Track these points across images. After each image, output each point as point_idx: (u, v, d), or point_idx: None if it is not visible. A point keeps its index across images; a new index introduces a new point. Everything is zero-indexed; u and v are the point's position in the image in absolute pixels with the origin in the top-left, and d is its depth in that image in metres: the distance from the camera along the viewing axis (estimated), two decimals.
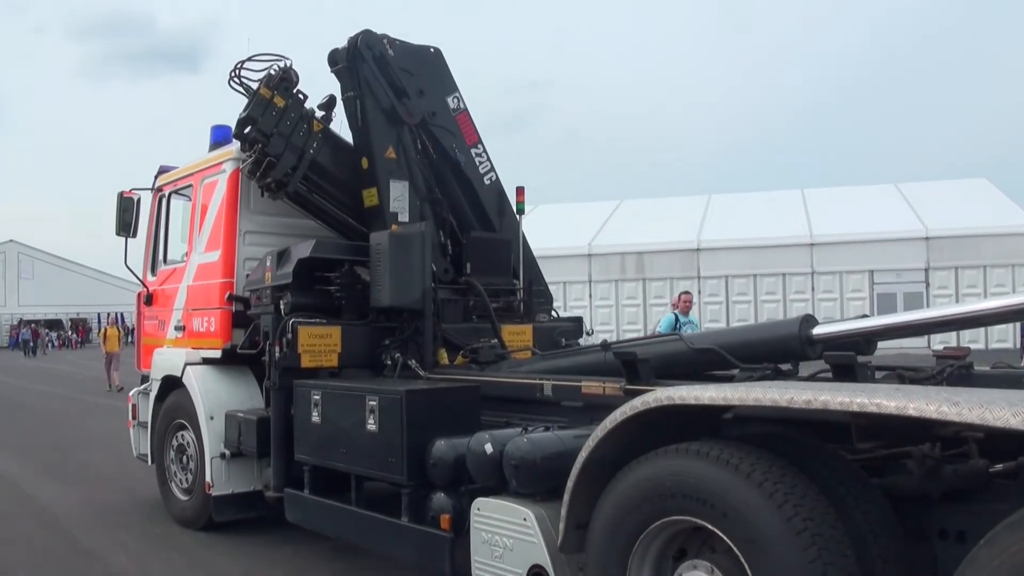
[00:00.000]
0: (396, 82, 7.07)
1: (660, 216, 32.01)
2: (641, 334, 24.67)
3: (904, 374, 4.11)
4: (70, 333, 67.85)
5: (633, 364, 4.49)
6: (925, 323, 4.61)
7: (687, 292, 13.16)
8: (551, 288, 8.19)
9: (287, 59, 6.98)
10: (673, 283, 29.14)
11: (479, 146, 7.59)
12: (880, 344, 4.79)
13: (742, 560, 3.09)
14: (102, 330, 25.28)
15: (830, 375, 4.03)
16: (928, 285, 27.68)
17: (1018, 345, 21.16)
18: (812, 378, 4.23)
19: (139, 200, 8.51)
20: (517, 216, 7.69)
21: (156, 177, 8.66)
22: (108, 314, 37.06)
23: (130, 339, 25.86)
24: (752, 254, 28.74)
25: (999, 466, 3.02)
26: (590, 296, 29.96)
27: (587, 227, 31.82)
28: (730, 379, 4.44)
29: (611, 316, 29.68)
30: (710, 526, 3.20)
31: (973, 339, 21.56)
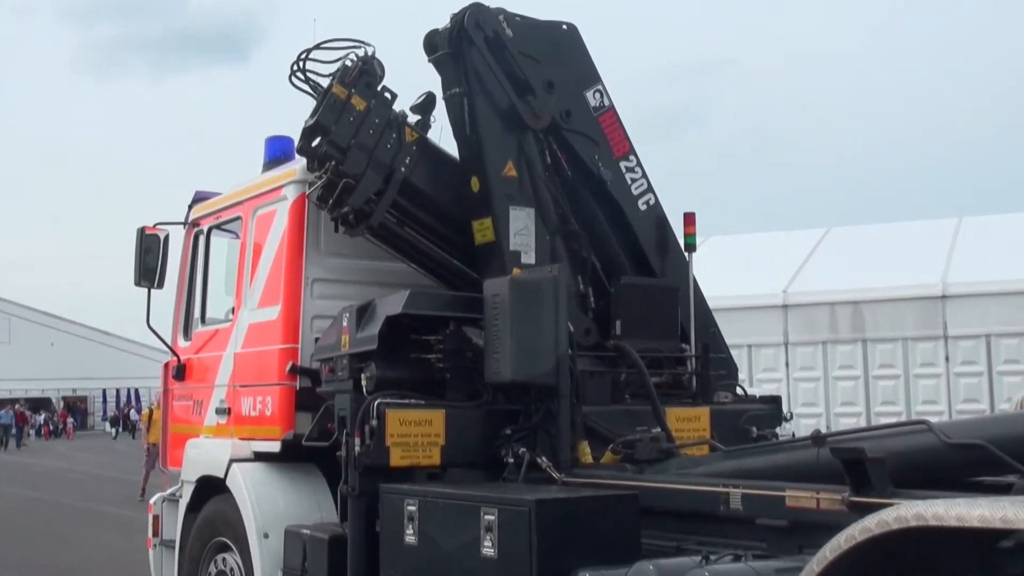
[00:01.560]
0: (517, 73, 7.22)
1: (886, 249, 31.27)
2: (862, 421, 24.05)
3: None
4: (58, 416, 69.35)
5: (861, 465, 4.43)
6: None
7: None
8: (733, 353, 8.13)
9: (369, 46, 7.17)
10: (908, 345, 28.34)
11: (631, 157, 7.67)
12: None
13: None
14: (146, 411, 26.13)
15: None
16: None
17: None
18: None
19: (167, 238, 8.76)
20: (686, 254, 7.70)
21: (191, 207, 8.97)
22: (149, 391, 38.27)
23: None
24: None
25: None
26: (787, 365, 29.38)
27: (781, 266, 31.36)
28: (1008, 489, 4.33)
29: (818, 394, 29.05)
30: None
31: None
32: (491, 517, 5.22)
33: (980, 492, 4.32)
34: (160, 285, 8.75)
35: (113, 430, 65.95)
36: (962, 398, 27.08)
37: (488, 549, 5.22)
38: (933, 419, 5.25)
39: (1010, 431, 4.81)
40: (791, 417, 20.32)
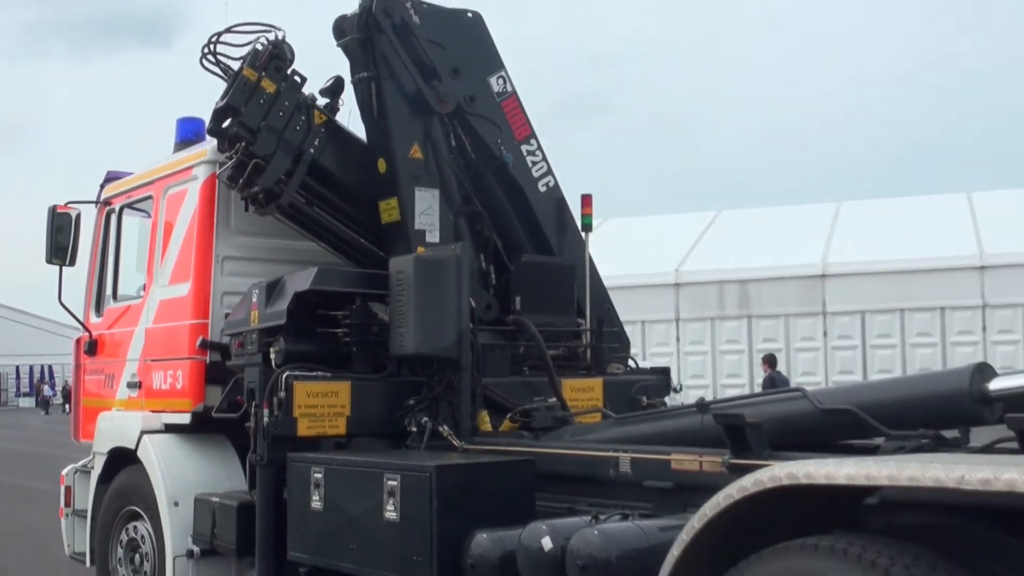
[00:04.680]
0: (423, 58, 7.19)
1: (771, 232, 31.77)
2: (746, 391, 24.44)
3: None
4: None
5: (740, 430, 4.51)
6: None
7: None
8: (627, 329, 8.21)
9: (279, 30, 7.11)
10: (789, 321, 28.87)
11: (532, 141, 7.68)
12: None
13: None
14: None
15: (1016, 444, 4.03)
16: None
17: None
18: (991, 449, 4.21)
19: (79, 216, 8.58)
20: (583, 234, 7.75)
21: (103, 186, 8.81)
22: (63, 367, 37.73)
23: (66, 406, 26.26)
24: (898, 281, 28.29)
25: None
26: (677, 339, 29.79)
27: (674, 247, 31.72)
28: (874, 450, 4.44)
29: (706, 366, 29.46)
30: None
31: None
32: (394, 483, 5.23)
33: (850, 454, 4.43)
34: (72, 263, 8.57)
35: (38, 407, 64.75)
36: (838, 369, 27.74)
37: (391, 513, 5.23)
38: (811, 389, 5.33)
39: (877, 398, 4.93)
40: (680, 388, 20.49)
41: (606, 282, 8.07)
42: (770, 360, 22.00)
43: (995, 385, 4.50)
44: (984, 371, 4.58)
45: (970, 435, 4.64)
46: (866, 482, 3.29)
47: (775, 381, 20.04)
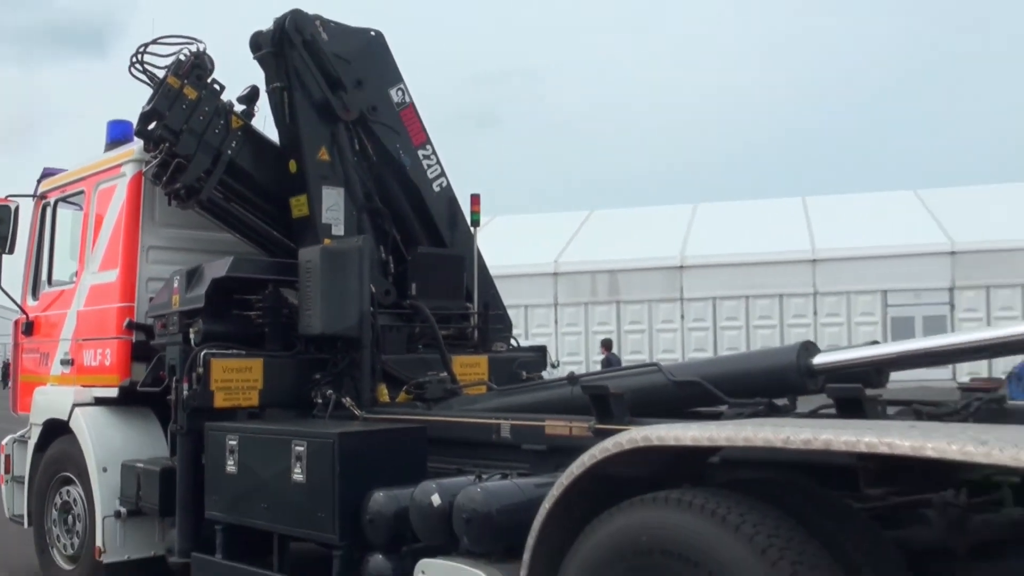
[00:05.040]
0: (330, 71, 7.11)
1: (637, 229, 32.16)
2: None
3: (922, 409, 4.15)
4: None
5: (604, 400, 4.54)
6: (946, 350, 4.71)
7: None
8: (511, 312, 8.24)
9: (200, 42, 7.01)
10: (652, 306, 29.32)
11: (427, 147, 7.65)
12: (895, 376, 4.88)
13: None
14: None
15: (834, 411, 4.10)
16: (953, 307, 27.88)
17: None
18: (813, 415, 4.32)
19: (17, 209, 8.33)
20: (471, 228, 7.74)
21: (39, 181, 8.59)
22: (4, 347, 36.35)
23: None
24: (744, 272, 28.92)
25: None
26: (556, 322, 30.01)
27: (553, 241, 31.92)
28: (718, 416, 4.51)
29: (580, 345, 29.74)
30: None
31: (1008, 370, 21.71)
32: (301, 448, 5.18)
33: (697, 419, 4.50)
34: (11, 251, 8.31)
35: None
36: (693, 348, 28.31)
37: (298, 475, 5.18)
38: (666, 364, 5.41)
39: (720, 371, 5.00)
40: (558, 364, 20.67)
41: (493, 272, 8.08)
42: (607, 344, 22.51)
43: (818, 360, 4.62)
44: (809, 348, 4.69)
45: (797, 403, 4.75)
46: (708, 443, 3.35)
47: (611, 361, 20.38)
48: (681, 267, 29.75)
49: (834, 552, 3.17)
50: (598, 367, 21.47)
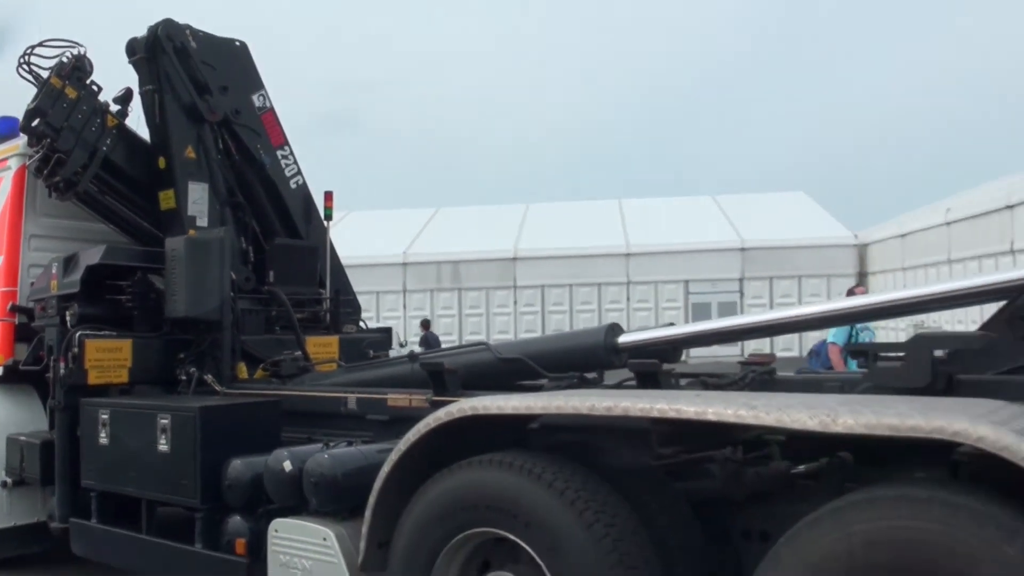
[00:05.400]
0: (198, 76, 6.87)
1: (477, 225, 32.38)
2: (455, 343, 24.82)
3: (708, 380, 4.35)
4: None
5: (440, 375, 4.55)
6: (728, 331, 4.93)
7: (860, 286, 12.28)
8: (364, 298, 8.16)
9: (81, 46, 6.66)
10: (489, 293, 29.56)
11: (285, 148, 7.48)
12: (694, 353, 5.08)
13: (544, 569, 3.20)
14: None
15: (635, 383, 4.22)
16: (742, 295, 29.25)
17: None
18: (617, 386, 4.43)
19: None
20: (324, 222, 7.62)
21: None
22: None
23: None
24: (568, 263, 29.54)
25: (800, 467, 3.25)
26: (404, 306, 29.90)
27: (403, 235, 31.79)
28: (539, 389, 4.58)
29: None
30: (513, 537, 3.29)
31: (787, 347, 22.87)
32: (165, 421, 5.02)
33: (520, 392, 4.56)
34: None
35: None
36: (524, 330, 28.69)
37: (163, 446, 5.01)
38: (494, 343, 5.45)
39: (541, 349, 5.07)
40: (405, 344, 20.69)
41: (349, 262, 7.97)
42: (425, 324, 22.65)
43: (622, 340, 4.75)
44: (615, 329, 4.82)
45: (604, 376, 4.88)
46: (527, 411, 3.41)
47: (428, 340, 20.50)
48: (515, 259, 30.12)
49: (634, 503, 3.27)
50: (441, 346, 21.50)
